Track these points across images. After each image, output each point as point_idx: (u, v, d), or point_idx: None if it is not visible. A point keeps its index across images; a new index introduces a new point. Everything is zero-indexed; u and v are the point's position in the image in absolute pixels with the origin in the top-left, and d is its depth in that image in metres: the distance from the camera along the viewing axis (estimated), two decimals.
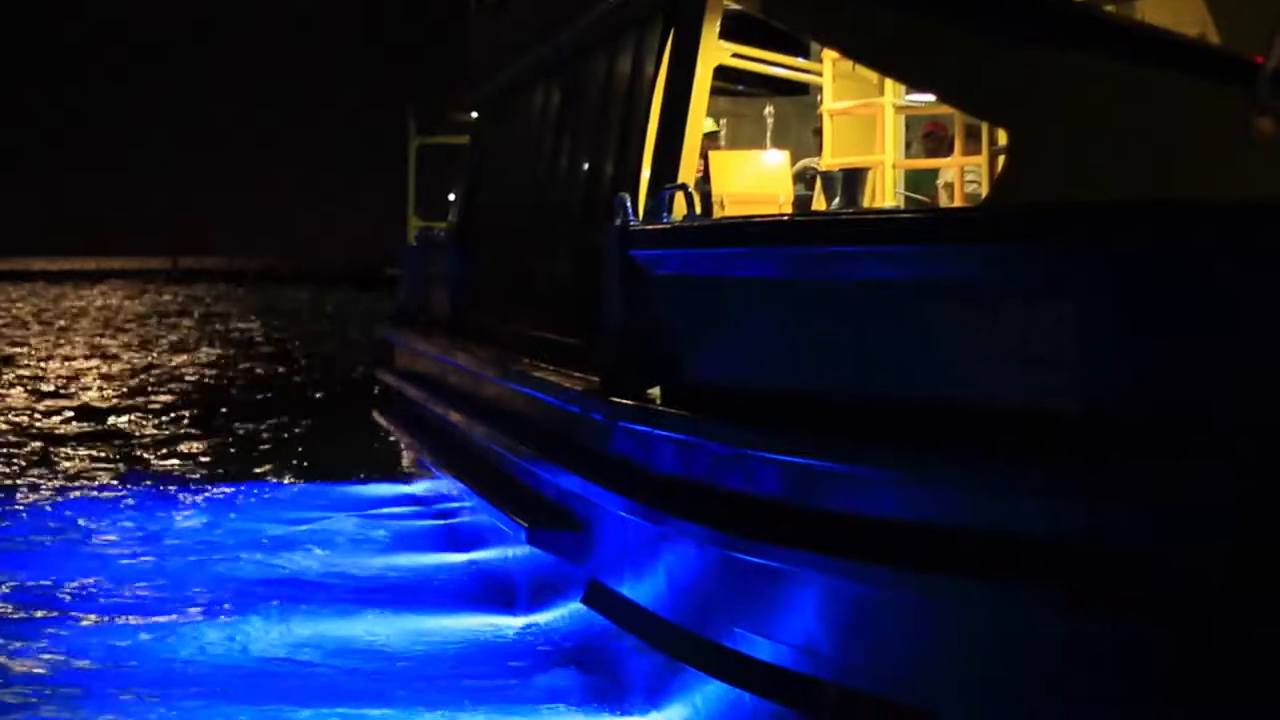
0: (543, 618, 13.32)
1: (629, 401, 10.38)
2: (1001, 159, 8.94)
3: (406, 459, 21.72)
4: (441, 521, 18.36)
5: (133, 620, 13.89)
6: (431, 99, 24.67)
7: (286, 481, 22.89)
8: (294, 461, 25.25)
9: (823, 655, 8.39)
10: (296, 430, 29.97)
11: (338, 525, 19.00)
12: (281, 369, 47.39)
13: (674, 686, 10.23)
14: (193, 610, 14.33)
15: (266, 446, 27.53)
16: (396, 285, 24.62)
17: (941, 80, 8.86)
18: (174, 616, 14.06)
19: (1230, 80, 7.15)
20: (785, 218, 10.91)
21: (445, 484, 17.39)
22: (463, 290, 18.40)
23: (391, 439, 22.35)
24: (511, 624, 13.78)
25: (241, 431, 29.84)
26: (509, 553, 14.25)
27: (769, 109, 14.42)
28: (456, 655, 12.92)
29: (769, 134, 14.40)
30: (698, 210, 10.75)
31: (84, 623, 13.84)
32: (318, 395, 38.66)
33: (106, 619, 13.98)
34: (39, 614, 14.24)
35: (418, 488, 20.65)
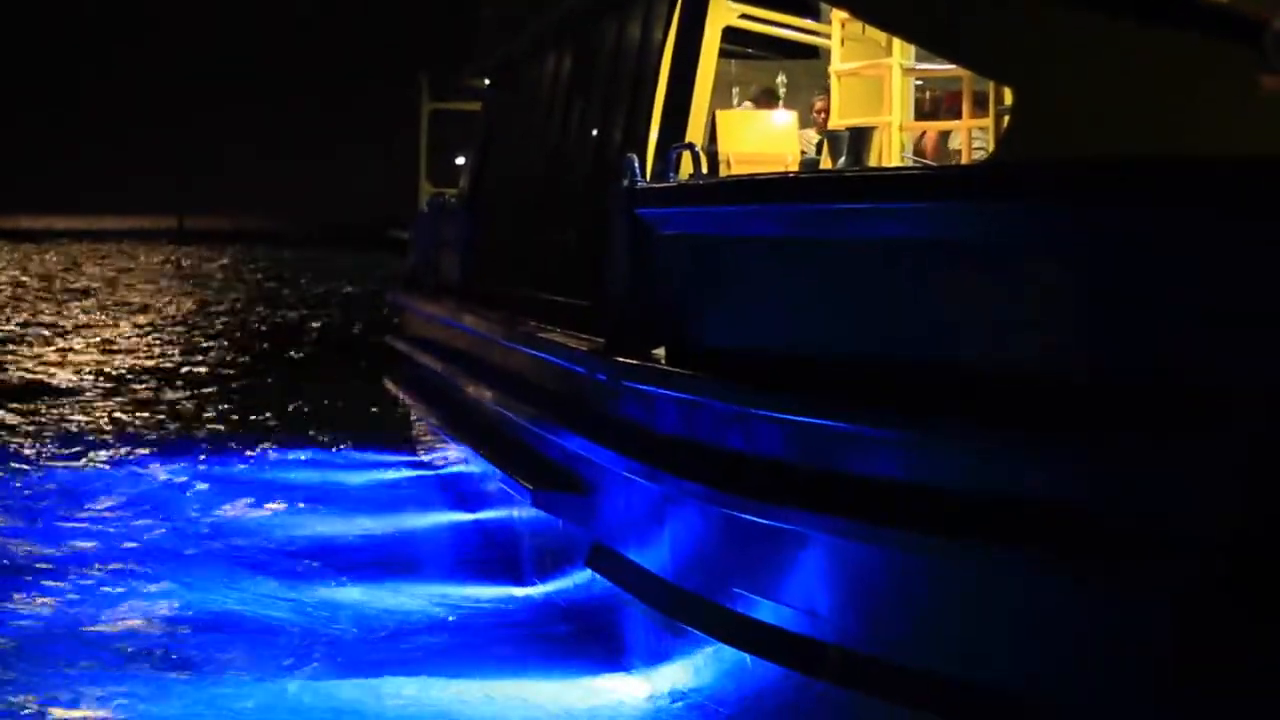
0: (549, 581, 13.31)
1: (633, 361, 10.37)
2: (1007, 119, 8.91)
3: (416, 423, 21.73)
4: (450, 485, 18.37)
5: (135, 585, 13.80)
6: (445, 64, 24.61)
7: (296, 444, 22.87)
8: (305, 424, 25.23)
9: (825, 617, 8.38)
10: (308, 391, 29.94)
11: (346, 489, 19.02)
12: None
13: (677, 648, 10.23)
14: (198, 574, 14.28)
15: (277, 408, 27.53)
16: (404, 247, 24.56)
17: (947, 39, 8.83)
18: (174, 583, 13.97)
19: (1237, 39, 7.11)
20: (788, 175, 10.90)
21: (454, 448, 17.40)
22: (473, 254, 18.41)
23: (401, 405, 22.34)
24: (515, 587, 13.78)
25: (254, 393, 29.85)
26: (515, 515, 14.25)
27: (781, 77, 14.37)
28: (461, 617, 12.92)
29: (780, 100, 14.36)
30: (704, 170, 10.74)
31: (85, 586, 13.75)
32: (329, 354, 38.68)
33: (110, 583, 13.89)
34: (37, 574, 14.19)
35: (426, 452, 20.65)
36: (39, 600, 13.20)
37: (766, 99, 14.03)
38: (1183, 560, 6.58)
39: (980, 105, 10.88)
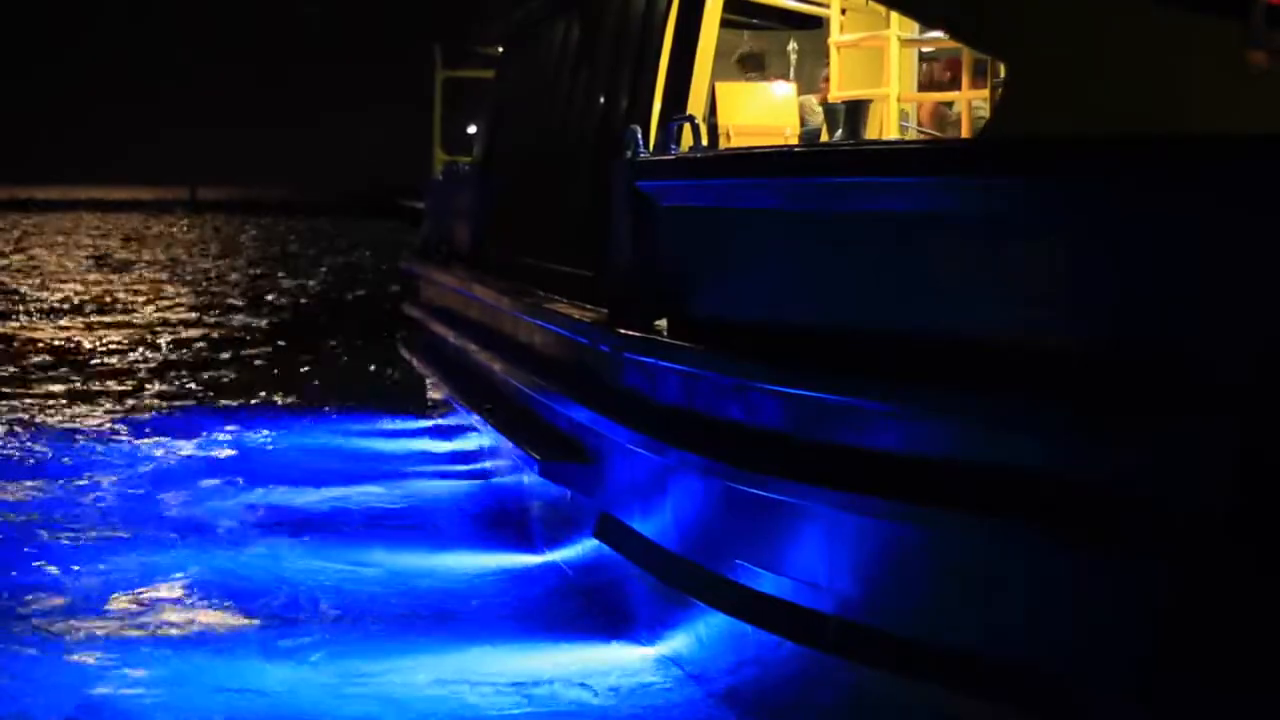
0: (556, 550, 13.38)
1: (635, 333, 10.42)
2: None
3: (429, 389, 21.79)
4: (462, 451, 18.42)
5: (130, 557, 13.71)
6: (458, 32, 24.66)
7: (307, 410, 22.91)
8: (317, 390, 25.27)
9: (825, 589, 8.42)
10: (318, 358, 29.99)
11: (358, 456, 19.08)
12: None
13: (679, 618, 10.29)
14: (200, 545, 14.23)
15: (288, 374, 27.57)
16: (415, 216, 24.52)
17: (941, 12, 8.84)
18: (176, 554, 13.90)
19: (1228, 14, 7.12)
20: (785, 149, 10.93)
21: (465, 416, 17.46)
22: (484, 223, 18.46)
23: (415, 371, 22.37)
24: (525, 556, 13.82)
25: (264, 360, 29.89)
26: (525, 484, 14.32)
27: (793, 44, 14.38)
28: (469, 585, 12.96)
29: (792, 69, 14.37)
30: (704, 142, 10.78)
31: (82, 558, 13.70)
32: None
33: (106, 557, 13.77)
34: (22, 548, 14.11)
35: (440, 420, 20.71)
36: (31, 575, 13.17)
37: (752, 63, 14.00)
38: (1182, 537, 6.60)
39: (981, 75, 10.89)
